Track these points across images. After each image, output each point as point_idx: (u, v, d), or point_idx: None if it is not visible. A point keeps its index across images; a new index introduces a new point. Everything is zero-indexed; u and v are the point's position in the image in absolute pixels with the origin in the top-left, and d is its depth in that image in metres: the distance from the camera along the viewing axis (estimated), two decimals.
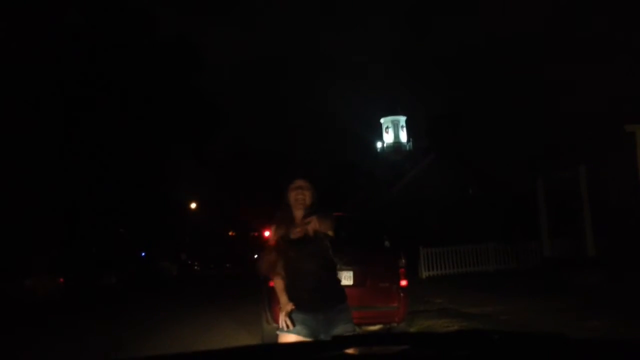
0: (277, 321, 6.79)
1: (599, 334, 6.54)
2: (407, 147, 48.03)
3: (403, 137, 49.41)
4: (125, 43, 27.49)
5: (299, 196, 3.21)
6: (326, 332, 3.01)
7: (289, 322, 3.02)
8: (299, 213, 3.21)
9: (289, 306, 3.04)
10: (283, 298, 3.11)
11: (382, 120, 49.91)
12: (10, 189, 22.67)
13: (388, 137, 49.38)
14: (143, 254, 41.86)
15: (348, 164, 43.61)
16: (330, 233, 3.14)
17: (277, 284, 3.21)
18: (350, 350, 1.42)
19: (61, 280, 22.51)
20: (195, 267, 57.52)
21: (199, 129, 31.42)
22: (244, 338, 7.99)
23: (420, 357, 1.34)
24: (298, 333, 3.02)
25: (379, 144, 49.56)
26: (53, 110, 25.27)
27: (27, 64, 23.77)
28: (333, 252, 3.21)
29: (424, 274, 18.28)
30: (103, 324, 11.62)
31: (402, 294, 7.10)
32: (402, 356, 1.35)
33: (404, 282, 7.15)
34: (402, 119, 49.71)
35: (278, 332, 3.14)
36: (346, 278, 7.03)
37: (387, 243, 7.61)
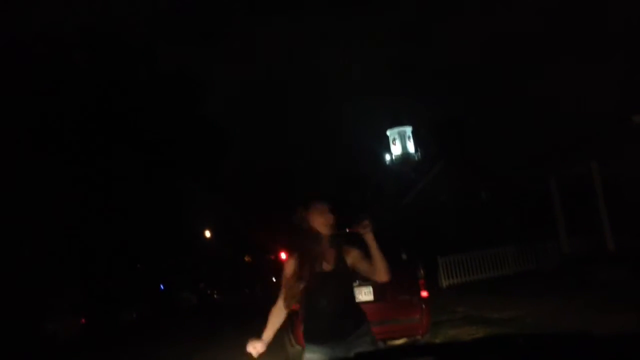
0: (300, 343, 6.75)
1: (624, 331, 6.44)
2: (416, 157, 47.92)
3: (411, 147, 49.36)
4: (128, 80, 27.85)
5: (328, 220, 3.01)
6: (349, 353, 2.92)
7: (256, 348, 2.92)
8: (324, 237, 3.03)
9: (261, 346, 2.93)
10: (268, 333, 2.99)
11: (388, 133, 49.92)
12: (26, 230, 22.83)
13: (396, 149, 49.35)
14: (162, 286, 41.91)
15: (357, 178, 43.53)
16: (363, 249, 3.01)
17: (276, 317, 3.06)
18: None
19: (82, 320, 22.57)
20: (215, 296, 57.44)
21: (208, 155, 31.58)
22: None
23: None
24: None
25: (387, 156, 49.52)
26: (65, 151, 25.56)
27: (36, 104, 24.13)
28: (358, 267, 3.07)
29: (444, 283, 18.13)
30: (130, 357, 11.60)
31: (423, 306, 7.05)
32: None
33: (424, 293, 7.10)
34: (409, 130, 49.70)
35: None
36: (366, 293, 6.99)
37: (404, 255, 7.56)
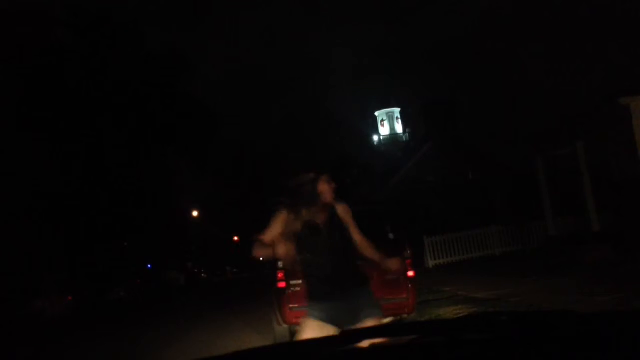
0: (287, 322, 6.77)
1: (609, 309, 6.54)
2: (404, 138, 48.00)
3: (399, 128, 49.42)
4: (116, 57, 27.55)
5: (331, 190, 3.25)
6: (351, 318, 3.03)
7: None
8: (323, 204, 3.23)
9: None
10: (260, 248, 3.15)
11: (377, 114, 49.90)
12: (12, 209, 22.69)
13: (384, 130, 49.39)
14: (149, 265, 41.90)
15: (345, 157, 43.52)
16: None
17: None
18: (359, 345, 1.41)
19: (69, 298, 22.56)
20: (202, 275, 57.55)
21: (196, 134, 31.44)
22: (256, 340, 7.99)
23: (430, 345, 1.33)
24: (320, 319, 3.04)
25: (375, 137, 49.55)
26: (51, 127, 25.31)
27: (22, 81, 23.85)
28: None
29: (431, 263, 18.27)
30: (115, 338, 11.63)
31: (410, 285, 7.09)
32: (413, 346, 1.34)
33: (411, 273, 7.14)
34: (397, 111, 49.71)
35: (301, 320, 3.18)
36: None
37: (391, 235, 7.60)
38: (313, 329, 3.01)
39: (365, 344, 1.42)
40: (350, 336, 1.45)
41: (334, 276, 3.11)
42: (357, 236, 3.25)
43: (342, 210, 3.27)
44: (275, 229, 3.18)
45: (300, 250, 3.14)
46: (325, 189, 3.24)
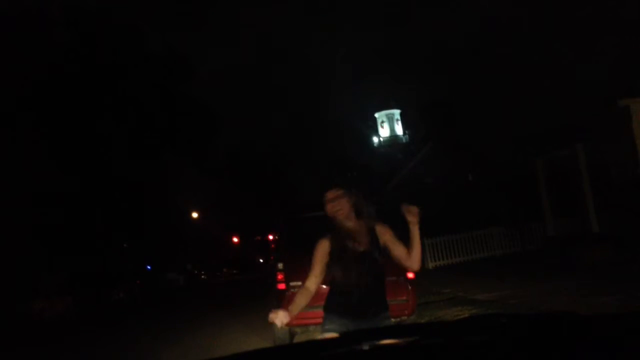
0: (287, 324, 6.76)
1: (609, 310, 6.53)
2: (404, 140, 47.98)
3: (399, 130, 49.40)
4: (116, 57, 27.56)
5: (335, 208, 3.11)
6: None
7: (279, 317, 2.89)
8: (348, 223, 3.12)
9: (285, 316, 2.90)
10: (293, 307, 2.98)
11: (376, 115, 49.89)
12: (15, 211, 22.70)
13: (384, 132, 49.36)
14: (149, 267, 41.86)
15: (345, 159, 43.51)
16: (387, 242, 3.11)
17: (303, 297, 3.07)
18: (361, 345, 1.41)
19: (69, 300, 22.56)
20: (202, 277, 57.49)
21: (196, 135, 31.44)
22: (255, 342, 7.98)
23: (430, 347, 1.33)
24: (338, 332, 2.98)
25: (375, 139, 49.54)
26: (52, 129, 25.33)
27: (21, 81, 23.87)
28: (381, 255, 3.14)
29: (431, 264, 18.26)
30: (115, 339, 11.62)
31: (410, 287, 7.09)
32: (413, 347, 1.34)
33: (410, 275, 7.14)
34: (397, 113, 49.70)
35: (319, 334, 3.10)
36: None
37: None
38: None
39: (365, 345, 1.42)
40: (351, 337, 1.46)
41: (365, 300, 3.05)
42: (398, 251, 3.13)
43: (380, 230, 3.15)
44: (318, 266, 3.10)
45: (332, 263, 3.07)
46: (331, 213, 3.12)
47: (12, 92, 23.70)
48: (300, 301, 3.04)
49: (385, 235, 3.13)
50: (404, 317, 7.15)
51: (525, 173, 18.13)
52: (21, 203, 23.23)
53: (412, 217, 3.03)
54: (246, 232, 57.48)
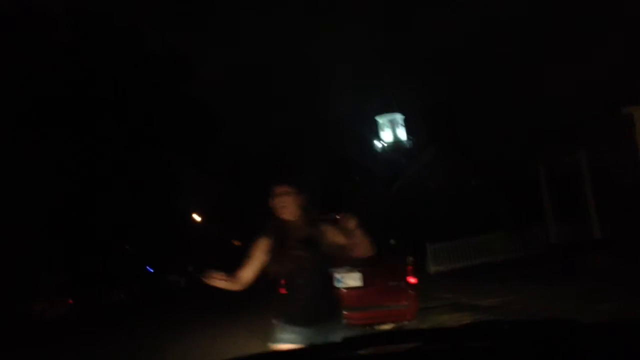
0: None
1: (611, 317, 6.52)
2: (407, 144, 47.97)
3: (401, 134, 49.37)
4: (117, 58, 27.59)
5: (282, 203, 3.01)
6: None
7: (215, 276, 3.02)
8: (292, 221, 3.03)
9: (219, 278, 3.04)
10: (218, 283, 3.10)
11: (377, 119, 49.88)
12: (16, 212, 22.71)
13: (387, 136, 49.34)
14: (150, 268, 41.87)
15: (347, 162, 43.43)
16: (342, 241, 2.97)
17: (232, 282, 3.11)
18: (361, 351, 1.41)
19: (70, 301, 22.56)
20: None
21: (197, 136, 31.44)
22: (255, 345, 7.96)
23: (432, 353, 1.33)
24: (292, 342, 2.91)
25: (377, 143, 49.51)
26: (52, 129, 25.33)
27: (21, 81, 23.90)
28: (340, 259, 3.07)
29: (432, 269, 18.23)
30: (114, 339, 11.62)
31: (411, 292, 7.09)
32: (414, 353, 1.34)
33: (412, 280, 7.14)
34: (399, 116, 49.69)
35: (270, 344, 3.03)
36: (355, 279, 7.03)
37: (392, 241, 7.61)
38: None
39: (366, 350, 1.42)
40: (352, 342, 1.45)
41: (312, 303, 2.96)
42: (342, 240, 2.97)
43: (324, 230, 3.01)
44: (254, 262, 3.10)
45: (273, 263, 3.03)
46: (277, 207, 3.03)
47: (12, 92, 23.72)
48: (226, 284, 3.10)
49: (329, 232, 3.01)
50: (405, 322, 7.15)
51: (527, 177, 18.12)
52: (21, 203, 23.23)
53: (351, 224, 2.89)
54: (247, 234, 57.42)
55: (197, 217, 47.42)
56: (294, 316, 2.98)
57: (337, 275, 6.99)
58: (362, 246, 2.96)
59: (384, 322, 7.40)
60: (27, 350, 11.92)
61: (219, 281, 3.08)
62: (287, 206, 3.01)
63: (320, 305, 3.00)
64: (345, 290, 6.97)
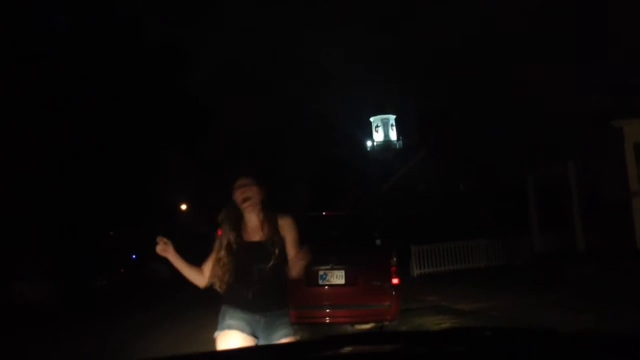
0: None
1: (590, 328, 6.58)
2: (397, 145, 48.14)
3: (393, 135, 49.59)
4: (111, 45, 27.39)
5: (245, 194, 3.09)
6: (265, 334, 2.99)
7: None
8: (252, 214, 3.12)
9: (164, 242, 3.07)
10: (181, 267, 3.15)
11: (371, 120, 50.04)
12: None
13: (378, 136, 49.54)
14: (134, 256, 41.68)
15: (337, 161, 43.50)
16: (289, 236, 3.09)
17: (195, 271, 3.17)
18: (342, 350, 1.42)
19: (51, 284, 22.40)
20: None
21: (189, 126, 31.33)
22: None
23: (412, 356, 1.34)
24: (240, 329, 2.96)
25: (369, 143, 49.63)
26: (39, 113, 25.08)
27: (15, 67, 23.66)
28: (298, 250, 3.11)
29: (416, 271, 18.29)
30: (94, 327, 11.56)
31: (394, 292, 7.10)
32: (395, 355, 1.35)
33: (395, 281, 7.15)
34: (392, 118, 49.88)
35: (218, 331, 3.04)
36: (338, 277, 7.04)
37: (378, 241, 7.62)
38: (238, 341, 2.93)
39: (348, 350, 1.43)
40: (334, 342, 1.46)
41: (261, 292, 3.00)
42: (291, 251, 3.09)
43: (284, 223, 3.12)
44: (214, 254, 3.16)
45: (229, 254, 3.07)
46: (237, 198, 3.12)
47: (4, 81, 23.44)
48: (188, 272, 3.15)
49: (285, 230, 3.10)
50: (386, 322, 7.17)
51: (515, 186, 18.23)
52: (2, 186, 22.97)
53: (305, 255, 3.05)
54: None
55: (184, 207, 47.31)
56: (245, 302, 3.00)
57: (321, 272, 7.01)
58: (296, 268, 3.07)
59: (365, 322, 7.43)
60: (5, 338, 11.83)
61: (178, 262, 3.14)
62: (252, 197, 3.10)
63: (271, 295, 3.05)
64: (327, 288, 7.00)
